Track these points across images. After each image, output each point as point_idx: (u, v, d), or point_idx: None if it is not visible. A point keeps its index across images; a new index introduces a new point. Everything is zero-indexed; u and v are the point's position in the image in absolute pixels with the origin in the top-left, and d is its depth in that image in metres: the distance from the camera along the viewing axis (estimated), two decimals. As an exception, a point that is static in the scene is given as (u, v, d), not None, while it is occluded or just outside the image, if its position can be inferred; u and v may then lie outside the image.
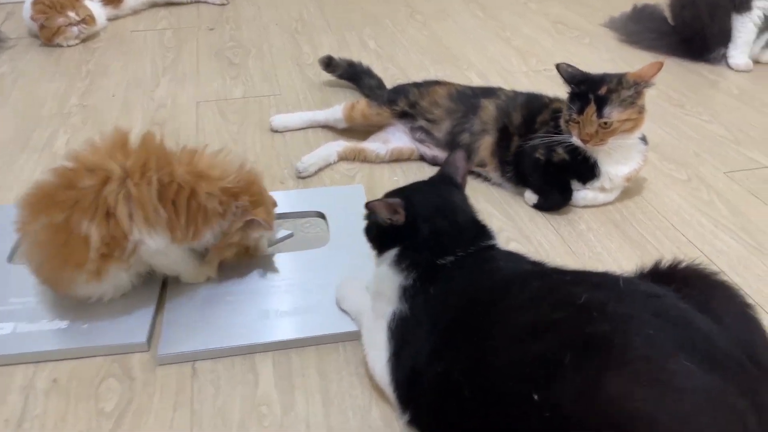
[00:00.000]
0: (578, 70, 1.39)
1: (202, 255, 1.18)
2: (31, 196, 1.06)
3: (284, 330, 1.10)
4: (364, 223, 1.08)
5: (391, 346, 0.94)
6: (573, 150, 1.37)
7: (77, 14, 2.31)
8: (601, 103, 1.30)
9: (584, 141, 1.34)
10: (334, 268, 1.22)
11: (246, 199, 1.13)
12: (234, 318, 1.12)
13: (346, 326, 1.10)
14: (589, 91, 1.33)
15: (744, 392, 0.64)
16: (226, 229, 1.14)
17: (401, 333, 0.93)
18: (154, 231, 1.05)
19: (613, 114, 1.30)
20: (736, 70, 2.11)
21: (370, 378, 1.01)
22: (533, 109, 1.49)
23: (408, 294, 0.94)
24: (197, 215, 1.08)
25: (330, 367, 1.05)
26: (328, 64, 1.95)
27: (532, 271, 0.93)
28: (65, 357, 1.05)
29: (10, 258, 1.26)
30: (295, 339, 1.09)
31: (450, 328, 0.86)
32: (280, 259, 1.27)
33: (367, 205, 1.00)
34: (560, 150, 1.39)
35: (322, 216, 1.40)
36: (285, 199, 1.43)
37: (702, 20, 2.11)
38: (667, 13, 2.27)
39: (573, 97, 1.36)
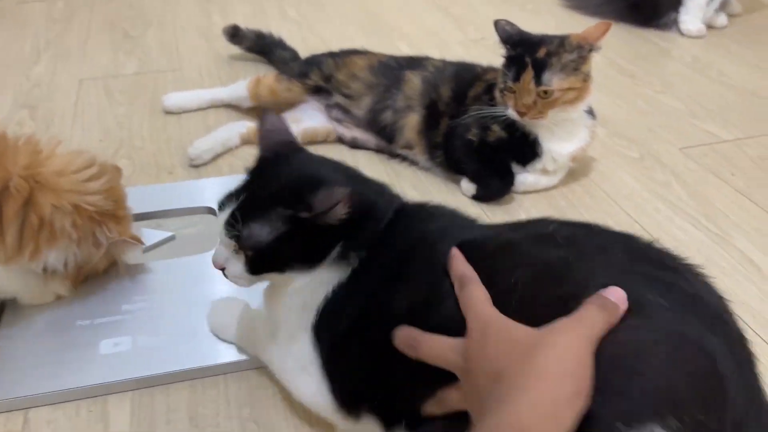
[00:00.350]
0: (517, 28, 1.18)
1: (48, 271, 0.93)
2: None
3: (149, 363, 0.86)
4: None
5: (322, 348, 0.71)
6: (510, 125, 1.17)
7: (-54, -19, 1.98)
8: (540, 68, 1.10)
9: (521, 113, 1.13)
10: (221, 278, 0.98)
11: (115, 228, 0.90)
12: (84, 350, 0.87)
13: (232, 355, 0.87)
14: (526, 54, 1.12)
15: (715, 332, 0.52)
16: (82, 259, 0.90)
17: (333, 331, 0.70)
18: None
19: (554, 81, 1.10)
20: (689, 36, 1.94)
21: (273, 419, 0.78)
22: (464, 82, 1.28)
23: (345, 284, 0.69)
24: (38, 232, 0.83)
25: (206, 409, 0.82)
26: (234, 35, 1.70)
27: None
28: None
29: None
30: (161, 374, 0.85)
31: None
32: (154, 268, 1.02)
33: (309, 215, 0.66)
34: (496, 127, 1.18)
35: (213, 213, 1.16)
36: (169, 193, 1.20)
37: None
38: (615, -25, 2.09)
39: (509, 61, 1.16)
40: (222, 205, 0.72)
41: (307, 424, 0.80)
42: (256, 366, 0.86)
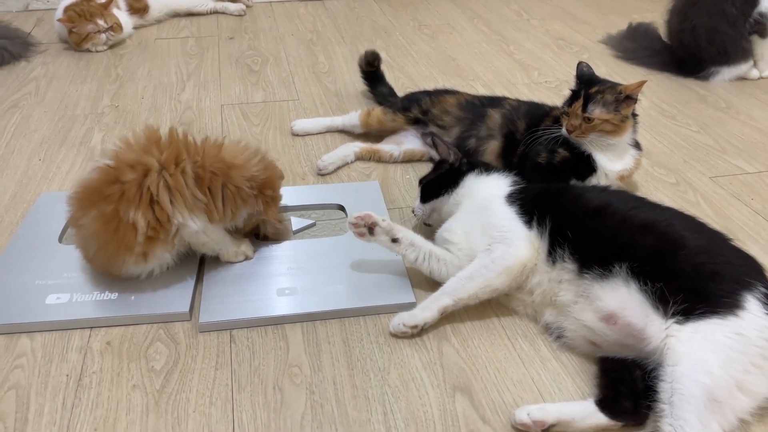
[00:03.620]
0: (591, 71, 1.54)
1: (237, 237, 1.31)
2: (79, 194, 1.19)
3: (311, 304, 1.22)
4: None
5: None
6: (571, 146, 1.51)
7: (105, 22, 2.45)
8: (588, 100, 1.45)
9: (569, 131, 1.48)
10: (352, 253, 1.35)
11: (266, 188, 1.28)
12: (265, 293, 1.25)
13: (367, 302, 1.23)
14: (583, 89, 1.48)
15: None
16: (248, 216, 1.28)
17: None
18: (193, 214, 1.18)
19: (595, 111, 1.45)
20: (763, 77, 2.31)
21: (392, 346, 1.14)
22: (536, 117, 1.63)
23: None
24: (234, 198, 1.22)
25: (352, 336, 1.18)
26: (372, 61, 2.03)
27: None
28: (116, 324, 1.18)
29: (60, 238, 1.38)
30: (321, 311, 1.21)
31: None
32: (305, 244, 1.40)
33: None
34: (560, 150, 1.52)
35: (341, 208, 1.53)
36: (308, 193, 1.58)
37: (699, 43, 2.25)
38: (663, 32, 2.42)
39: (572, 93, 1.51)
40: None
41: (423, 344, 1.14)
42: (383, 312, 1.21)
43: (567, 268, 1.13)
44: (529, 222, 1.19)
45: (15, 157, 1.74)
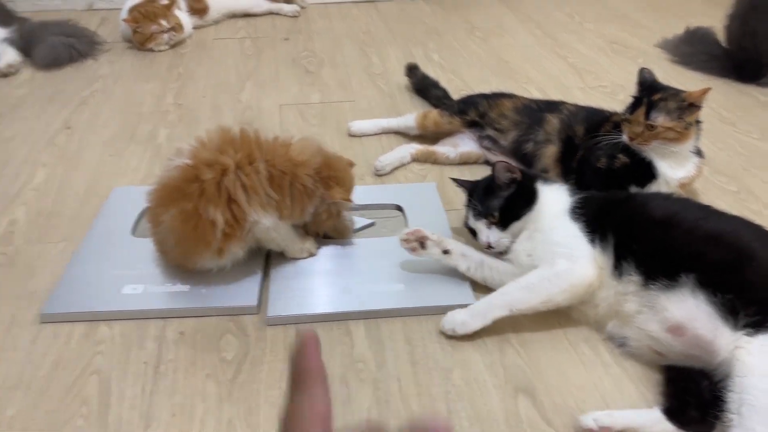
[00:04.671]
0: (654, 77, 1.53)
1: (302, 235, 1.36)
2: (159, 191, 1.24)
3: (373, 302, 1.26)
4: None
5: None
6: (632, 152, 1.51)
7: (168, 22, 2.53)
8: (651, 108, 1.45)
9: (630, 138, 1.48)
10: (406, 253, 1.37)
11: (332, 180, 1.31)
12: (329, 289, 1.29)
13: (427, 302, 1.26)
14: (646, 95, 1.47)
15: None
16: (316, 212, 1.32)
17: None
18: (266, 211, 1.23)
19: (659, 119, 1.44)
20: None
21: (453, 346, 1.16)
22: (595, 122, 1.63)
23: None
24: (302, 195, 1.26)
25: (415, 335, 1.21)
26: (411, 69, 2.15)
27: None
28: (189, 315, 1.23)
29: (133, 231, 1.45)
30: (383, 309, 1.25)
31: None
32: (366, 243, 1.43)
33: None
34: (621, 156, 1.52)
35: (399, 209, 1.56)
36: (367, 193, 1.61)
37: (760, 49, 2.22)
38: (721, 37, 2.39)
39: (634, 100, 1.51)
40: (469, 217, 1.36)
41: (484, 345, 1.17)
42: (444, 312, 1.23)
43: (633, 281, 1.14)
44: (593, 240, 1.20)
45: (87, 152, 1.82)
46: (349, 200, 1.36)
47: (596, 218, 1.22)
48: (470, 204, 1.38)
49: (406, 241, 1.29)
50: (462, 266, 1.28)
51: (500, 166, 1.31)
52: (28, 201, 1.60)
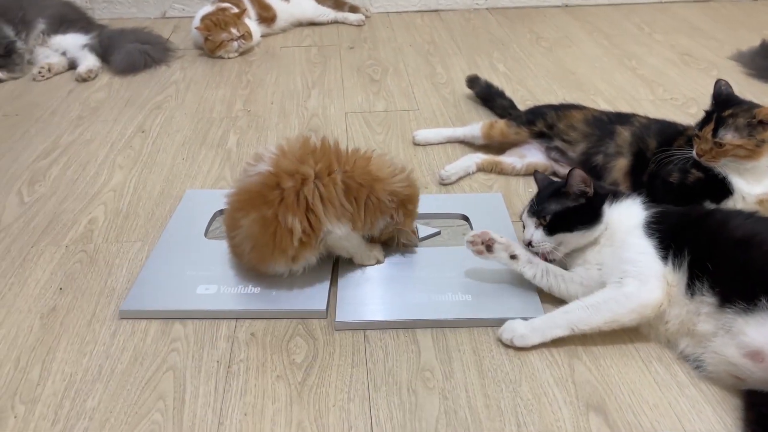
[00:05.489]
0: (730, 90, 1.48)
1: (370, 243, 1.37)
2: (238, 196, 1.27)
3: (440, 311, 1.26)
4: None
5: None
6: (705, 167, 1.46)
7: (238, 30, 2.61)
8: (719, 124, 1.40)
9: (698, 155, 1.44)
10: (478, 263, 1.37)
11: (407, 202, 1.34)
12: (396, 297, 1.29)
13: (495, 313, 1.25)
14: (716, 111, 1.43)
15: None
16: (385, 227, 1.34)
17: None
18: (340, 222, 1.25)
19: (726, 137, 1.39)
20: None
21: (521, 358, 1.15)
22: (668, 136, 1.59)
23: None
24: (375, 209, 1.27)
25: (482, 346, 1.20)
26: (473, 81, 2.15)
27: None
28: (259, 316, 1.26)
29: (206, 233, 1.49)
30: (450, 319, 1.24)
31: None
32: (433, 252, 1.43)
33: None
34: (694, 170, 1.48)
35: (466, 218, 1.56)
36: (433, 202, 1.61)
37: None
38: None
39: (705, 114, 1.46)
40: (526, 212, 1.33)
41: (553, 359, 1.15)
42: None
43: (706, 301, 1.10)
44: (665, 257, 1.17)
45: (161, 155, 1.89)
46: (414, 233, 1.41)
47: (672, 234, 1.18)
48: (533, 199, 1.37)
49: (472, 242, 1.29)
50: (528, 273, 1.27)
51: (577, 174, 1.27)
52: (107, 201, 1.67)
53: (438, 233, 1.51)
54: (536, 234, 1.30)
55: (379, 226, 1.32)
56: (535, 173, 1.48)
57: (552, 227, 1.28)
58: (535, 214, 1.31)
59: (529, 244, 1.30)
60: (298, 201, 1.21)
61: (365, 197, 1.27)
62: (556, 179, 1.47)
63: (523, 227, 1.36)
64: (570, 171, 1.29)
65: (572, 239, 1.28)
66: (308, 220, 1.22)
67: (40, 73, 2.44)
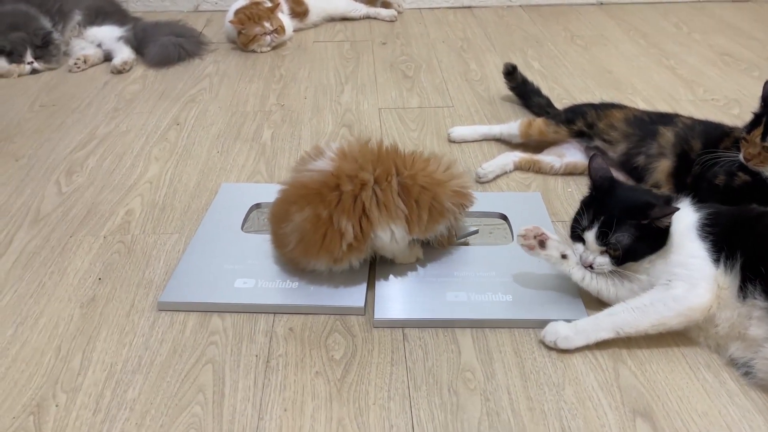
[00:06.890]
0: None
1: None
2: (294, 189, 1.27)
3: (480, 310, 1.24)
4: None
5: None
6: (753, 172, 1.42)
7: (271, 24, 2.60)
8: None
9: (746, 159, 1.40)
10: (517, 263, 1.35)
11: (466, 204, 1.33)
12: (435, 296, 1.28)
13: (537, 314, 1.22)
14: (765, 114, 1.39)
15: None
16: (449, 225, 1.33)
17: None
18: (393, 225, 1.23)
19: None
20: None
21: (564, 361, 1.13)
22: (714, 137, 1.55)
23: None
24: (437, 214, 1.27)
25: (523, 347, 1.18)
26: (509, 72, 2.10)
27: None
28: (297, 311, 1.25)
29: (242, 226, 1.49)
30: (491, 319, 1.22)
31: None
32: (472, 251, 1.41)
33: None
34: (741, 174, 1.44)
35: (504, 217, 1.54)
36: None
37: None
38: None
39: (754, 117, 1.42)
40: (586, 226, 1.19)
41: (597, 363, 1.13)
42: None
43: (758, 305, 1.07)
44: (718, 260, 1.13)
45: (196, 148, 1.89)
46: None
47: (725, 235, 1.15)
48: (592, 206, 1.20)
49: (524, 236, 1.25)
50: (577, 275, 1.24)
51: (668, 210, 1.14)
52: (143, 193, 1.67)
53: (476, 232, 1.49)
54: (599, 259, 1.19)
55: (439, 231, 1.31)
56: (591, 159, 1.26)
57: (623, 260, 1.18)
58: (602, 241, 1.16)
59: (588, 266, 1.21)
60: (355, 205, 1.21)
61: (429, 201, 1.26)
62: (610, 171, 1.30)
63: (572, 233, 1.25)
64: (661, 207, 1.16)
65: (638, 264, 1.20)
66: (360, 225, 1.21)
67: (76, 64, 2.46)
